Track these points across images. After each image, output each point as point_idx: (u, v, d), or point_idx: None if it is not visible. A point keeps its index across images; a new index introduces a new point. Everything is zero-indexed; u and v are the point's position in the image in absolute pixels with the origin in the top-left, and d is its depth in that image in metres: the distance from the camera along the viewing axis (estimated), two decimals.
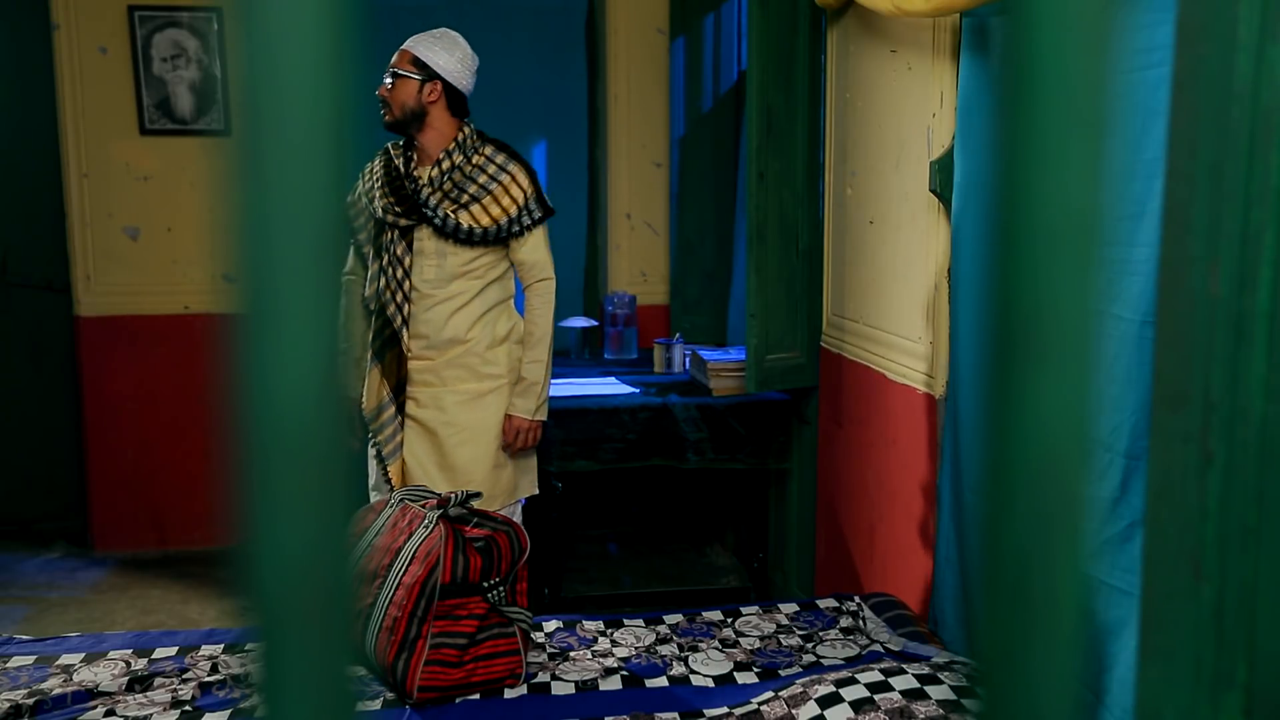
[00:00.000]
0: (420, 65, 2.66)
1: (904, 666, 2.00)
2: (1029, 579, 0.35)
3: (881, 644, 2.35)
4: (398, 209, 2.69)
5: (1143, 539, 0.84)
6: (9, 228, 4.28)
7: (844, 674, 2.01)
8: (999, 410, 0.35)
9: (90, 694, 2.12)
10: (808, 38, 3.19)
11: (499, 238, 2.69)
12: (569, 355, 4.15)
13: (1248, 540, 0.76)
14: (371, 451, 2.84)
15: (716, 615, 2.54)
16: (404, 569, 2.13)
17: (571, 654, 2.32)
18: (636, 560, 3.94)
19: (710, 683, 2.21)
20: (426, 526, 2.17)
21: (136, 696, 2.12)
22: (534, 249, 2.74)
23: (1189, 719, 0.79)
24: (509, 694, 2.15)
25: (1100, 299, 0.34)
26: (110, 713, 2.07)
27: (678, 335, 3.96)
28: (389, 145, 2.79)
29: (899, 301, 2.71)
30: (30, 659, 2.28)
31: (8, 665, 2.25)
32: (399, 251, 2.69)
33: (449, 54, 2.68)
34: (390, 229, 2.70)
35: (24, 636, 2.43)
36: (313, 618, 0.34)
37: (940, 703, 1.87)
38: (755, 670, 2.26)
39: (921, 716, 1.84)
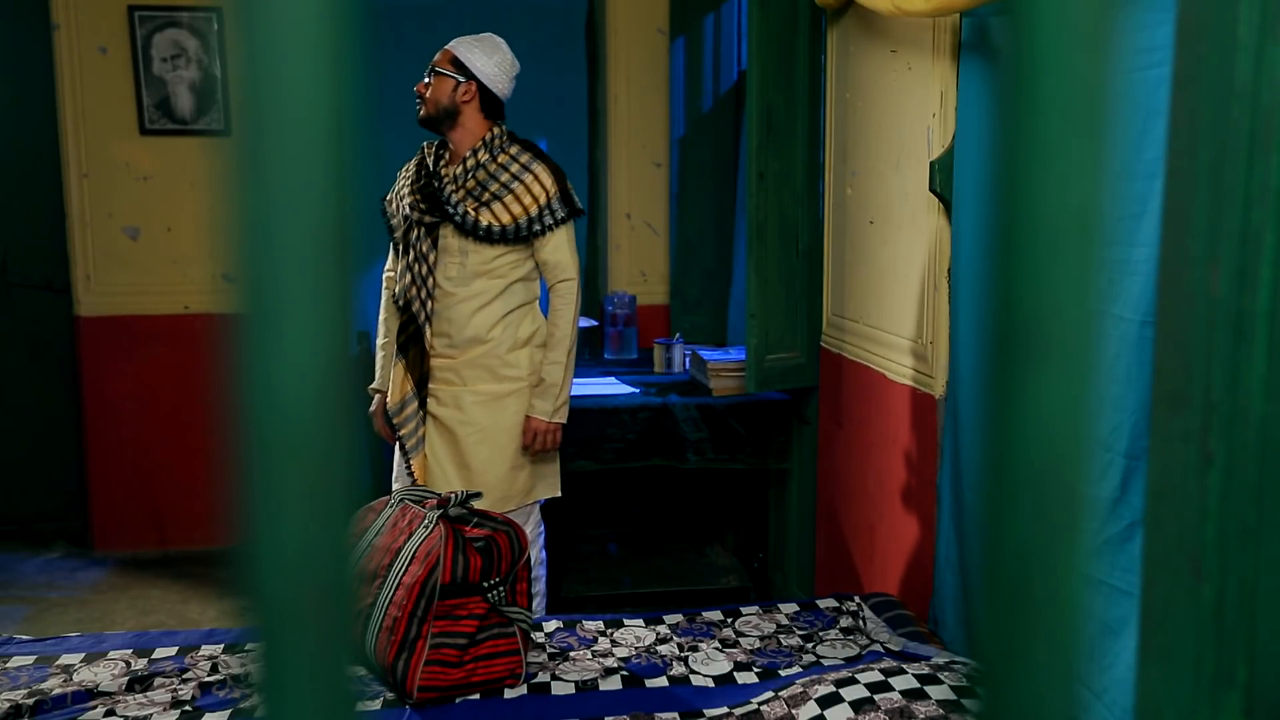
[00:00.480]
0: (459, 65, 2.70)
1: (904, 666, 2.00)
2: (1029, 579, 0.35)
3: (881, 644, 2.35)
4: (422, 206, 2.71)
5: (1143, 539, 0.84)
6: (9, 228, 4.28)
7: (844, 674, 2.01)
8: (999, 410, 0.35)
9: (90, 694, 2.12)
10: (808, 38, 3.19)
11: (519, 236, 2.69)
12: None
13: (1248, 540, 0.76)
14: (397, 449, 2.86)
15: (716, 615, 2.54)
16: (404, 569, 2.13)
17: (571, 654, 2.32)
18: (636, 560, 3.94)
19: (710, 683, 2.21)
20: (426, 526, 2.17)
21: (136, 696, 2.12)
22: (556, 249, 2.73)
23: (1189, 719, 0.79)
24: (509, 694, 2.15)
25: (1100, 299, 0.34)
26: (110, 713, 2.07)
27: (678, 335, 3.96)
28: (424, 144, 2.83)
29: (899, 301, 2.71)
30: (30, 659, 2.28)
31: (8, 665, 2.25)
32: (424, 249, 2.72)
33: (488, 57, 2.71)
34: (416, 226, 2.73)
35: (24, 636, 2.43)
36: (313, 618, 0.34)
37: (940, 703, 1.87)
38: (755, 670, 2.26)
39: (921, 716, 1.84)
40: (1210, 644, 0.78)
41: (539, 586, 2.90)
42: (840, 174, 3.10)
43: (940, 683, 1.93)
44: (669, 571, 3.84)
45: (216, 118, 4.18)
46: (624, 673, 2.23)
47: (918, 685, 1.92)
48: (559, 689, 2.17)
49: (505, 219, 2.69)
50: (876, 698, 1.90)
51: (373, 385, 2.90)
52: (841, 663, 2.27)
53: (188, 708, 2.08)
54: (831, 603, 2.60)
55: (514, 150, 2.75)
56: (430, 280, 2.72)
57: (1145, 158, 1.58)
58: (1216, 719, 0.78)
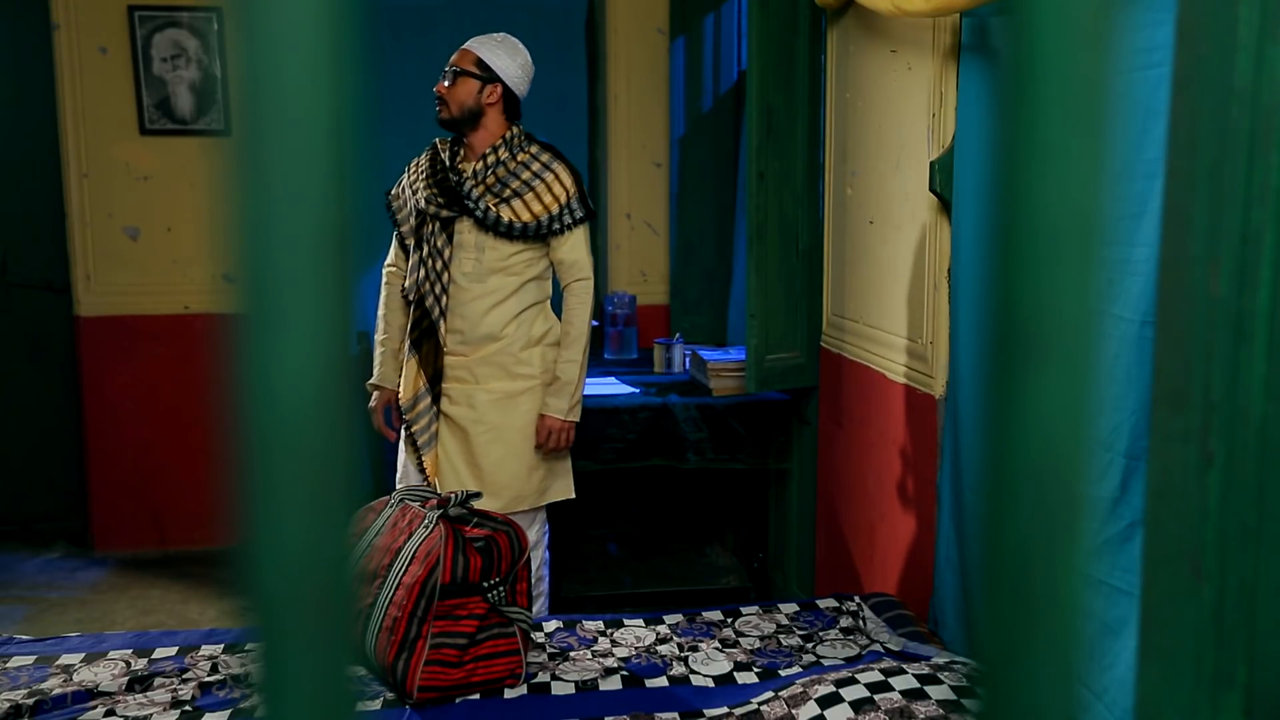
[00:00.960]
0: (483, 67, 2.70)
1: (904, 666, 2.00)
2: (1029, 579, 0.35)
3: (881, 644, 2.35)
4: (440, 200, 2.72)
5: (1143, 539, 0.84)
6: (9, 228, 4.28)
7: (844, 674, 2.01)
8: (999, 410, 0.35)
9: (90, 694, 2.12)
10: (808, 38, 3.19)
11: (539, 234, 2.71)
12: None
13: (1248, 540, 0.76)
14: (403, 447, 2.86)
15: (716, 615, 2.54)
16: (404, 569, 2.13)
17: (571, 654, 2.32)
18: (636, 560, 3.94)
19: (710, 683, 2.21)
20: (426, 526, 2.17)
21: (136, 696, 2.12)
22: (573, 248, 2.75)
23: (1189, 719, 0.79)
24: (509, 694, 2.15)
25: (1100, 299, 0.34)
26: (110, 713, 2.07)
27: (678, 335, 3.96)
28: (436, 141, 2.83)
29: (899, 301, 2.71)
30: (30, 659, 2.28)
31: (8, 665, 2.25)
32: (439, 243, 2.72)
33: (511, 59, 2.72)
34: (431, 221, 2.74)
35: (24, 636, 2.43)
36: (313, 618, 0.34)
37: (940, 703, 1.87)
38: (755, 670, 2.26)
39: (921, 716, 1.84)
40: (1210, 644, 0.78)
41: (543, 587, 2.90)
42: (840, 174, 3.10)
43: (940, 683, 1.93)
44: (669, 571, 3.84)
45: (216, 118, 4.18)
46: (624, 673, 2.23)
47: (918, 685, 1.92)
48: (559, 689, 2.17)
49: (525, 216, 2.70)
50: (876, 698, 1.90)
51: (371, 381, 2.89)
52: (841, 663, 2.27)
53: (188, 708, 2.08)
54: (831, 603, 2.60)
55: (534, 149, 2.77)
56: (445, 275, 2.72)
57: (1145, 158, 1.58)
58: (1216, 719, 0.78)
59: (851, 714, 1.88)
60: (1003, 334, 0.35)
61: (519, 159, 2.74)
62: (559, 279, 2.81)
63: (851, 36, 2.96)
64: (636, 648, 2.35)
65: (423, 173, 2.79)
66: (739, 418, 3.42)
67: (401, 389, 2.80)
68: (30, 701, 2.07)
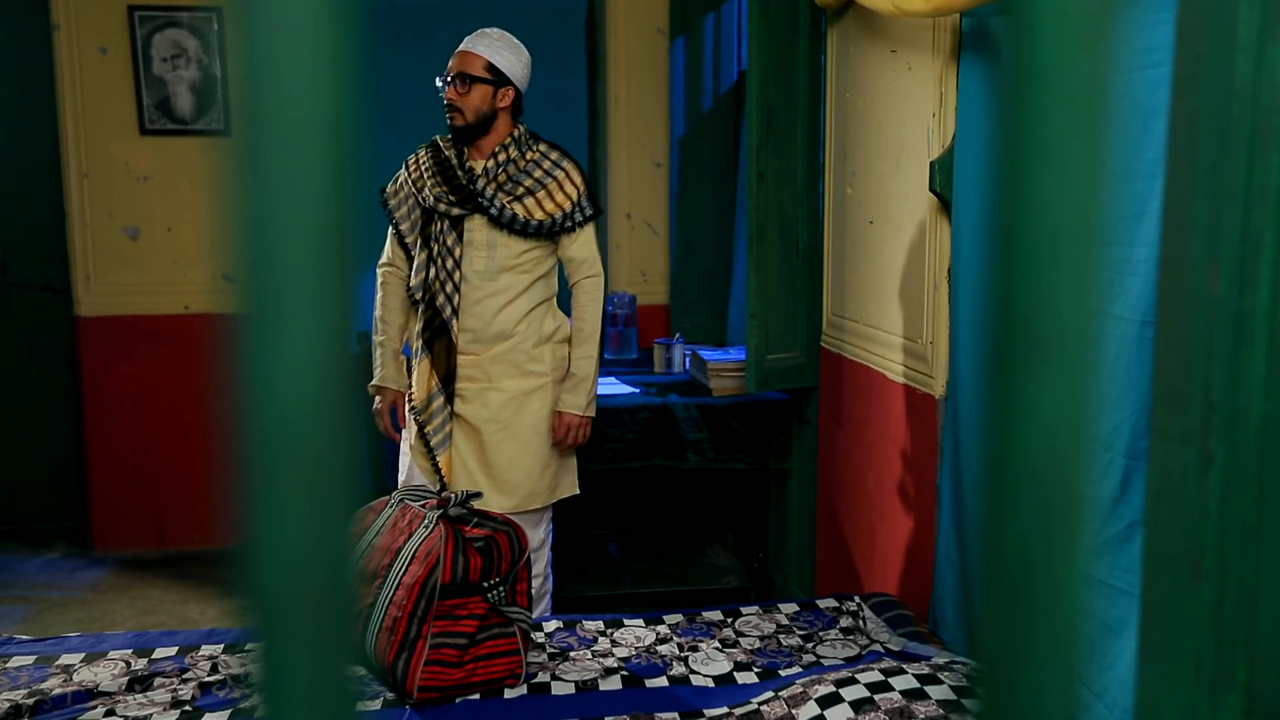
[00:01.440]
0: (494, 71, 2.69)
1: (904, 666, 2.00)
2: (1029, 579, 0.35)
3: (881, 644, 2.35)
4: (451, 198, 2.71)
5: (1143, 539, 0.84)
6: (9, 228, 4.28)
7: (844, 674, 2.01)
8: (999, 410, 0.35)
9: (90, 694, 2.12)
10: (808, 38, 3.19)
11: (552, 232, 2.73)
12: None
13: (1248, 540, 0.76)
14: (404, 447, 2.85)
15: (716, 615, 2.54)
16: (404, 569, 2.13)
17: (571, 654, 2.32)
18: (636, 560, 3.94)
19: (710, 683, 2.21)
20: (426, 526, 2.17)
21: (136, 696, 2.12)
22: (584, 245, 2.78)
23: (1189, 719, 0.79)
24: (509, 694, 2.15)
25: (1100, 299, 0.34)
26: (110, 713, 2.07)
27: (678, 335, 3.96)
28: (437, 138, 2.82)
29: (899, 301, 2.71)
30: (30, 659, 2.28)
31: (8, 665, 2.25)
32: (449, 242, 2.71)
33: (517, 58, 2.73)
34: (441, 219, 2.72)
35: (24, 636, 2.43)
36: (313, 618, 0.34)
37: (940, 703, 1.87)
38: (755, 670, 2.26)
39: (921, 716, 1.84)
40: (1210, 644, 0.78)
41: (548, 585, 2.91)
42: (840, 174, 3.10)
43: (940, 683, 1.93)
44: (669, 571, 3.84)
45: (216, 118, 4.18)
46: (624, 673, 2.23)
47: (918, 685, 1.92)
48: (559, 689, 2.17)
49: (538, 214, 2.71)
50: (876, 698, 1.90)
51: (374, 383, 2.86)
52: (841, 663, 2.27)
53: (188, 708, 2.08)
54: (831, 603, 2.60)
55: (542, 148, 2.78)
56: (457, 273, 2.71)
57: (1145, 158, 1.58)
58: (1216, 719, 0.78)
59: (851, 714, 1.88)
60: (1003, 334, 0.35)
61: (528, 157, 2.75)
62: (568, 276, 2.82)
63: (851, 36, 2.96)
64: (636, 648, 2.35)
65: (427, 170, 2.77)
66: (739, 418, 3.42)
67: (414, 390, 2.79)
68: (30, 701, 2.07)
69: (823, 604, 2.60)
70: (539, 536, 2.84)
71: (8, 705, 2.05)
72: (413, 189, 2.78)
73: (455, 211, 2.70)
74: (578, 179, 2.76)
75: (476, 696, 2.14)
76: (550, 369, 2.79)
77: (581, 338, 2.79)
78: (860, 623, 2.47)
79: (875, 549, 2.90)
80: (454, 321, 2.72)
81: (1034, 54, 0.33)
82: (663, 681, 2.22)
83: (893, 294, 2.74)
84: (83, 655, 2.30)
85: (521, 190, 2.71)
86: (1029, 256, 0.34)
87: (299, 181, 0.32)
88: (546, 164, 2.75)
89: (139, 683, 2.17)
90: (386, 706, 2.10)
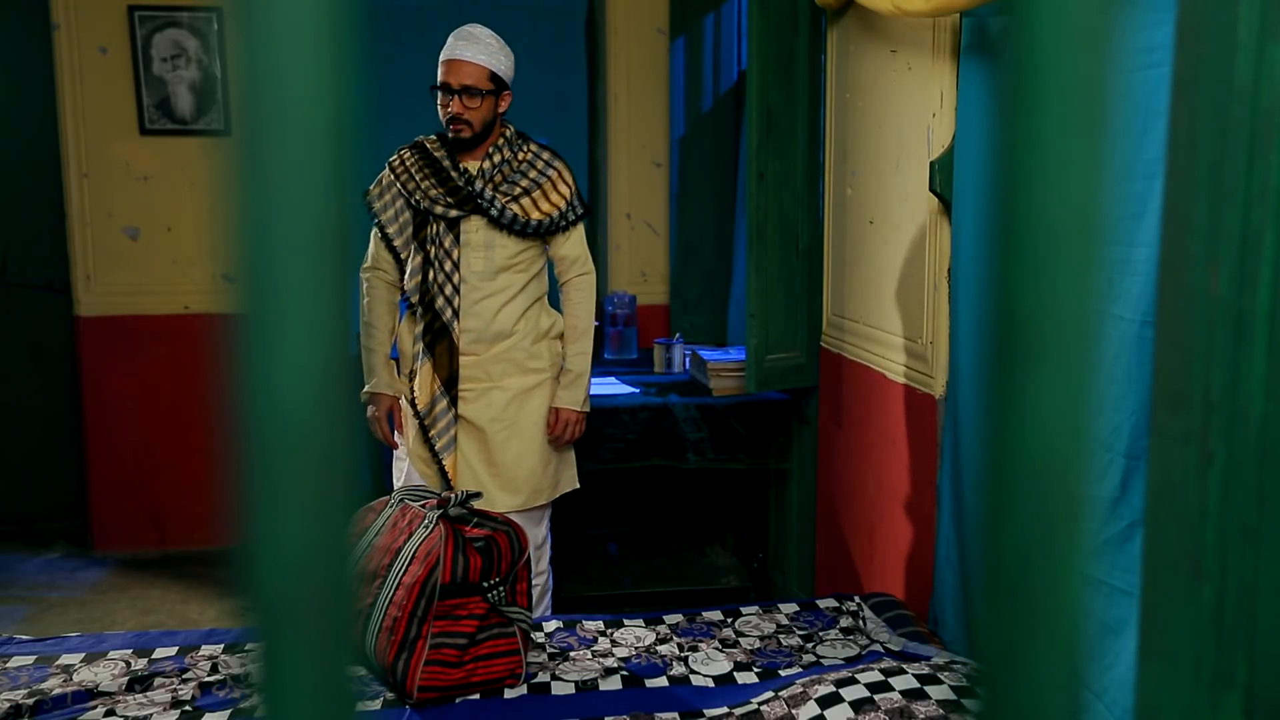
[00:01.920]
0: (495, 79, 2.69)
1: (904, 666, 2.00)
2: (1029, 579, 0.35)
3: (881, 644, 2.35)
4: (449, 200, 2.70)
5: (1143, 539, 0.84)
6: (9, 228, 4.28)
7: (844, 674, 2.01)
8: (999, 410, 0.35)
9: (90, 694, 2.12)
10: (808, 38, 3.19)
11: (548, 230, 2.75)
12: None
13: (1248, 540, 0.76)
14: (400, 452, 2.84)
15: (716, 615, 2.54)
16: (404, 569, 2.13)
17: (571, 654, 2.32)
18: (636, 560, 3.94)
19: (710, 683, 2.21)
20: (426, 526, 2.17)
21: (136, 696, 2.12)
22: (576, 244, 2.82)
23: (1189, 719, 0.79)
24: (509, 694, 2.15)
25: (1100, 299, 0.34)
26: (110, 713, 2.07)
27: (678, 335, 3.96)
28: (422, 139, 2.80)
29: (899, 301, 2.71)
30: (30, 659, 2.28)
31: (8, 665, 2.25)
32: (447, 244, 2.71)
33: (509, 59, 2.73)
34: (436, 221, 2.72)
35: (24, 636, 2.43)
36: (313, 618, 0.34)
37: (940, 703, 1.87)
38: (755, 670, 2.26)
39: (921, 716, 1.84)
40: (1210, 644, 0.78)
41: (549, 583, 2.92)
42: (840, 174, 3.10)
43: (940, 683, 1.93)
44: (669, 571, 3.84)
45: (216, 118, 4.18)
46: (624, 673, 2.23)
47: (918, 685, 1.92)
48: (559, 689, 2.17)
49: (535, 214, 2.73)
50: (876, 698, 1.90)
51: (368, 389, 2.81)
52: (841, 663, 2.27)
53: (188, 708, 2.08)
54: (831, 603, 2.60)
55: (533, 148, 2.79)
56: (456, 275, 2.71)
57: (1145, 158, 1.58)
58: (1216, 719, 0.78)
59: (851, 714, 1.88)
60: (1003, 334, 0.35)
61: (520, 157, 2.76)
62: (558, 275, 2.85)
63: (851, 36, 2.96)
64: (636, 648, 2.36)
65: (418, 172, 2.75)
66: (739, 418, 3.42)
67: (417, 395, 2.78)
68: (30, 701, 2.07)
69: (823, 604, 2.60)
70: (540, 535, 2.85)
71: (8, 705, 2.05)
72: (402, 191, 2.75)
73: (453, 213, 2.70)
74: (569, 178, 2.79)
75: (476, 696, 2.14)
76: (548, 365, 2.82)
77: (576, 334, 2.82)
78: (860, 623, 2.47)
79: (875, 549, 2.90)
80: (455, 323, 2.72)
81: (1034, 54, 0.33)
82: (663, 681, 2.22)
83: (893, 294, 2.74)
84: (83, 655, 2.30)
85: (518, 190, 2.72)
86: (1029, 256, 0.34)
87: (299, 181, 0.32)
88: (540, 164, 2.76)
89: (139, 683, 2.17)
90: (386, 706, 2.10)
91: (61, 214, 4.15)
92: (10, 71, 4.20)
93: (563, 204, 2.75)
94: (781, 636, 2.43)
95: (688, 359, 3.79)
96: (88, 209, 4.15)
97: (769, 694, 2.06)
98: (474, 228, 2.71)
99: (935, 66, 2.47)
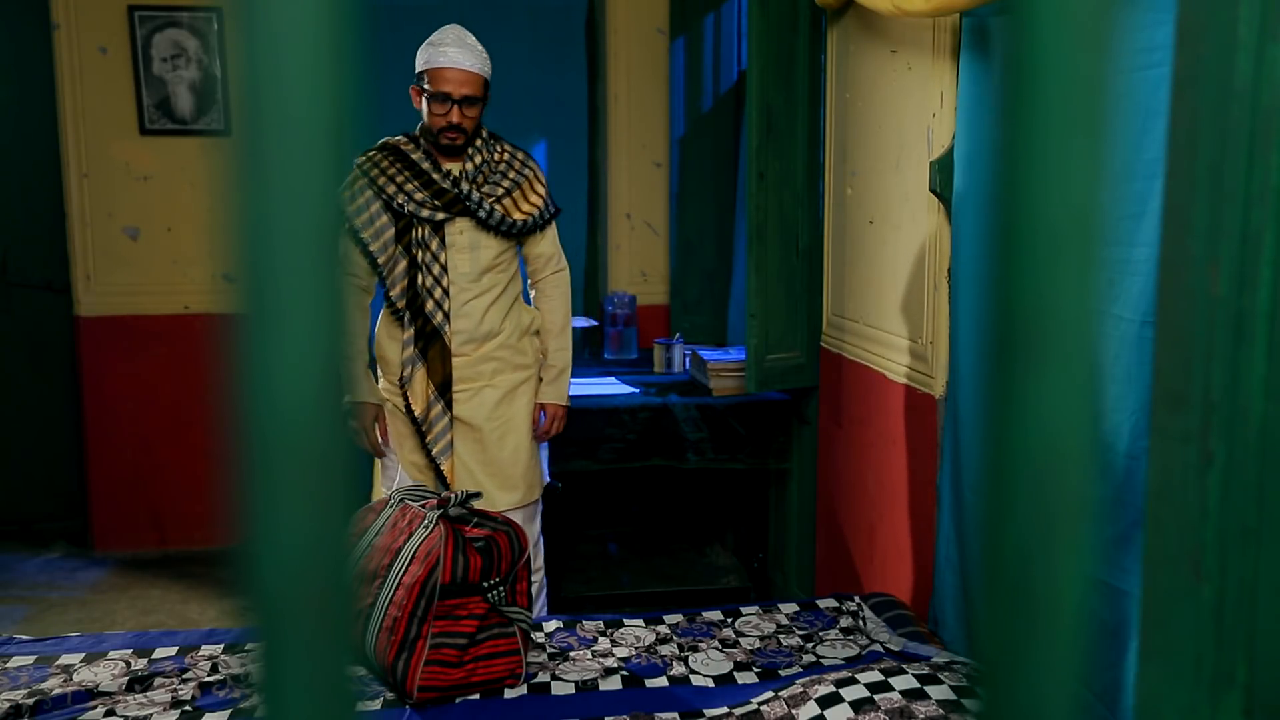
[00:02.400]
0: (486, 85, 2.72)
1: (904, 666, 2.00)
2: (1030, 579, 0.35)
3: (881, 644, 2.35)
4: (435, 203, 2.69)
5: (1143, 539, 0.84)
6: (9, 228, 4.28)
7: (844, 674, 2.01)
8: (999, 410, 0.35)
9: (90, 694, 2.12)
10: (808, 38, 3.19)
11: (530, 229, 2.78)
12: None
13: (1248, 540, 0.76)
14: (389, 459, 2.83)
15: (716, 615, 2.54)
16: (404, 569, 2.13)
17: (571, 654, 2.32)
18: (636, 560, 3.94)
19: (710, 683, 2.21)
20: (426, 526, 2.17)
21: (136, 696, 2.12)
22: (551, 241, 2.87)
23: (1189, 719, 0.79)
24: (509, 694, 2.15)
25: (1100, 299, 0.34)
26: (110, 713, 2.07)
27: (678, 335, 3.96)
28: (395, 141, 2.73)
29: (899, 301, 2.71)
30: (30, 659, 2.28)
31: (8, 665, 2.25)
32: (434, 247, 2.71)
33: (488, 62, 2.73)
34: (421, 224, 2.69)
35: (24, 636, 2.43)
36: (313, 618, 0.34)
37: (940, 703, 1.87)
38: (755, 670, 2.26)
39: (921, 716, 1.84)
40: (1210, 644, 0.78)
41: (542, 579, 2.93)
42: (840, 174, 3.10)
43: (940, 683, 1.93)
44: (669, 571, 3.84)
45: (216, 118, 4.18)
46: (624, 673, 2.23)
47: (918, 685, 1.92)
48: (559, 689, 2.17)
49: (517, 214, 2.75)
50: (876, 698, 1.90)
51: (353, 399, 2.74)
52: (841, 663, 2.27)
53: (188, 708, 2.08)
54: (831, 603, 2.60)
55: (508, 147, 2.82)
56: (445, 278, 2.71)
57: (1145, 158, 1.58)
58: (1216, 719, 0.78)
59: (851, 714, 1.88)
60: (1003, 334, 0.35)
61: (498, 158, 2.78)
62: (531, 272, 2.90)
63: (851, 36, 2.96)
64: (636, 648, 2.36)
65: (397, 175, 2.69)
66: (739, 418, 3.42)
67: (413, 402, 2.76)
68: (30, 701, 2.07)
69: (823, 604, 2.60)
70: (535, 530, 2.88)
71: (8, 705, 2.05)
72: (381, 195, 2.69)
73: (440, 216, 2.69)
74: (542, 177, 2.84)
75: (476, 696, 2.14)
76: (532, 361, 2.86)
77: (557, 330, 2.87)
78: (860, 623, 2.47)
79: (875, 549, 2.90)
80: (447, 326, 2.72)
81: (1034, 54, 0.33)
82: (663, 681, 2.22)
83: (893, 294, 2.74)
84: (83, 655, 2.30)
85: (500, 191, 2.74)
86: (1029, 256, 0.34)
87: (299, 181, 0.32)
88: (517, 164, 2.79)
89: (139, 683, 2.17)
90: (386, 706, 2.10)
91: (61, 214, 4.15)
92: (10, 71, 4.20)
93: (541, 203, 2.79)
94: (781, 636, 2.43)
95: (688, 359, 3.79)
96: (88, 209, 4.15)
97: (769, 694, 2.06)
98: (459, 229, 2.71)
99: (935, 66, 2.47)
